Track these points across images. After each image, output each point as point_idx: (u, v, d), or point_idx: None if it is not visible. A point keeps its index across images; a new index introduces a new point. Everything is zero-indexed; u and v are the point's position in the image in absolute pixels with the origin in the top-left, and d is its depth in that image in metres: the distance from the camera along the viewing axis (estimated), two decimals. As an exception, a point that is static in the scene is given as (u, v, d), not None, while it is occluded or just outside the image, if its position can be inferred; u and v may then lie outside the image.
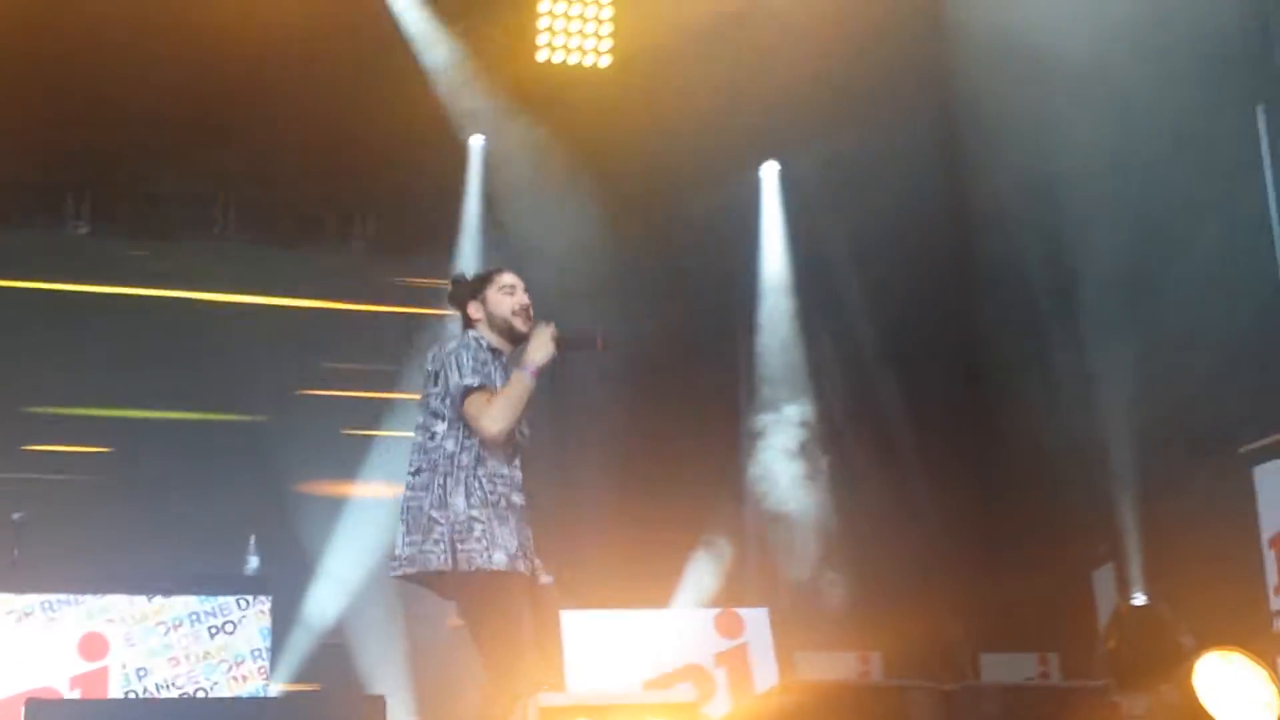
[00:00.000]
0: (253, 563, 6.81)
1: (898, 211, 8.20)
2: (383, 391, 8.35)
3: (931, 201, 8.32)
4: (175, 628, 6.53)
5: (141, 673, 6.44)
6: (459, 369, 4.62)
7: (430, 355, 4.75)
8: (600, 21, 8.38)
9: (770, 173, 9.40)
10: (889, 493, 8.79)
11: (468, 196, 8.69)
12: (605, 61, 8.40)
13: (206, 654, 6.55)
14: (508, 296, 4.85)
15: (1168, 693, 4.60)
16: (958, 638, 8.18)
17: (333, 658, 7.53)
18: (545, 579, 4.72)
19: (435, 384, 4.67)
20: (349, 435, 8.42)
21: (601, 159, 8.44)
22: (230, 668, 6.55)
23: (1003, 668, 7.24)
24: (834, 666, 6.47)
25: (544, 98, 8.38)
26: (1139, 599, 6.78)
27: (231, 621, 6.60)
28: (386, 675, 7.48)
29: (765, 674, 4.58)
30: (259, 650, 6.62)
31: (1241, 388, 7.07)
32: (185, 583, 6.64)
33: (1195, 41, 6.99)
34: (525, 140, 8.46)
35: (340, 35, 7.82)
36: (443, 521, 4.52)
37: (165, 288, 8.48)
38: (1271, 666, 4.70)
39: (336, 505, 8.20)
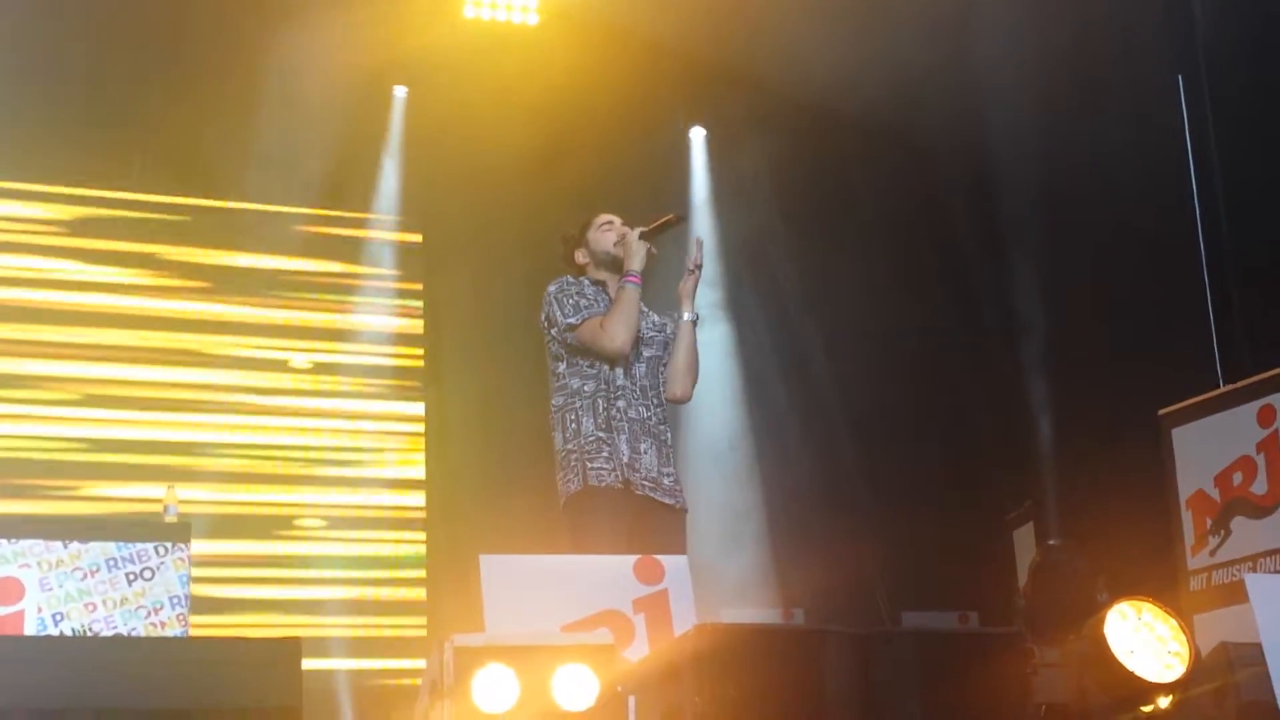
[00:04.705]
0: (172, 510, 6.75)
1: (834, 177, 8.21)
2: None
3: (869, 165, 8.33)
4: (92, 573, 6.46)
5: (58, 617, 6.37)
6: (561, 311, 4.80)
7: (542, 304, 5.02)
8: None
9: (698, 138, 9.37)
10: (815, 460, 8.83)
11: (388, 146, 8.64)
12: (533, 19, 8.36)
13: (124, 600, 6.48)
14: (607, 232, 5.00)
15: (1079, 642, 4.67)
16: (881, 595, 8.25)
17: (258, 605, 7.48)
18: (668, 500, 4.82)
19: (549, 328, 4.86)
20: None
21: (526, 117, 8.40)
22: (148, 614, 6.49)
23: (924, 624, 7.28)
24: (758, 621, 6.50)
25: (470, 53, 8.35)
26: (1054, 541, 6.87)
27: (150, 568, 6.53)
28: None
29: (685, 620, 4.58)
30: (178, 598, 6.56)
31: (1161, 351, 7.18)
32: (103, 529, 6.58)
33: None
34: (450, 95, 8.42)
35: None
36: (575, 450, 4.76)
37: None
38: (1184, 620, 4.77)
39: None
